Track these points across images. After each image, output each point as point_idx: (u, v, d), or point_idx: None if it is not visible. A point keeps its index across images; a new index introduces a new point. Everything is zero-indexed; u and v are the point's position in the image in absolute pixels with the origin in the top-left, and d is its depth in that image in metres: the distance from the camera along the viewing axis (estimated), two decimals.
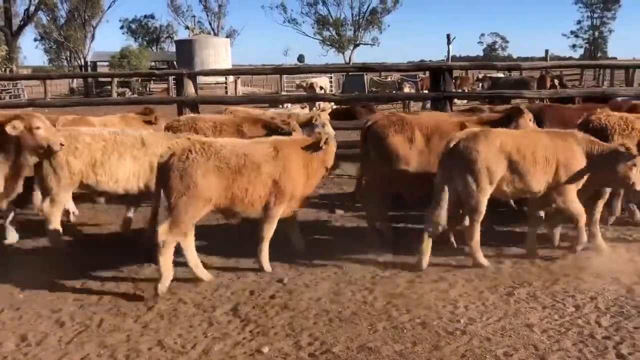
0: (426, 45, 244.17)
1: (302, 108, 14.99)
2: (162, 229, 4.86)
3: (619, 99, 10.45)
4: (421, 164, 6.18)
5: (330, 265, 5.63)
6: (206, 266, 5.42)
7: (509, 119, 6.46)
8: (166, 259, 4.90)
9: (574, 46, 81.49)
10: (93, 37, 64.30)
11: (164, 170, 4.97)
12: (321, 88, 26.30)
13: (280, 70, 21.02)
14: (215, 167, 4.99)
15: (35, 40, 68.14)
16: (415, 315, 4.53)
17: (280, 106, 16.64)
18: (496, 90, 21.20)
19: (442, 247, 5.85)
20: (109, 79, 35.37)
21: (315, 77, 29.51)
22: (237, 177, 5.09)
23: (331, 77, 33.15)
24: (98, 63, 56.95)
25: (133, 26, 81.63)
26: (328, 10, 69.45)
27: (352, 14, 69.32)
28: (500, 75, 29.70)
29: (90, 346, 4.18)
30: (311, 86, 25.07)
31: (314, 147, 5.56)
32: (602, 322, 4.36)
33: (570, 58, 72.93)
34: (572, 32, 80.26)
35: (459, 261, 5.72)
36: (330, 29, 69.99)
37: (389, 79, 31.13)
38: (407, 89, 25.62)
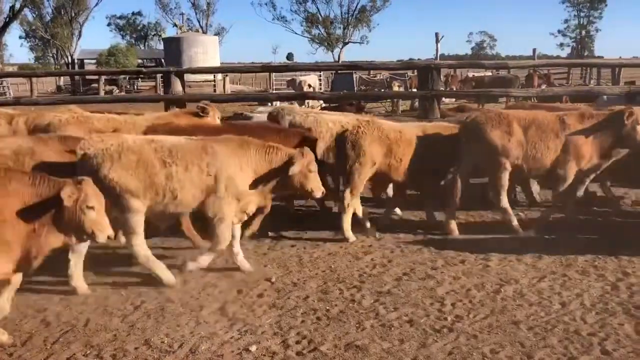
0: (415, 43, 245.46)
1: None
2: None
3: (605, 97, 10.55)
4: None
5: (319, 264, 5.64)
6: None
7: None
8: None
9: (561, 45, 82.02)
10: (80, 34, 63.78)
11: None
12: (310, 86, 26.28)
13: (269, 68, 20.98)
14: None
15: (21, 37, 67.57)
16: (403, 313, 4.55)
17: (269, 104, 16.62)
18: (482, 88, 21.30)
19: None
20: (97, 77, 35.10)
21: (304, 75, 29.48)
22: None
23: (320, 76, 33.12)
24: (85, 61, 56.36)
25: (121, 23, 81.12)
26: (317, 8, 69.39)
27: (341, 12, 69.31)
28: (489, 74, 29.85)
29: (77, 346, 4.14)
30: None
31: None
32: (587, 319, 4.40)
33: (557, 57, 73.52)
34: (559, 31, 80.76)
35: (446, 259, 5.75)
36: (320, 27, 69.94)
37: (378, 78, 31.15)
38: (396, 87, 25.68)
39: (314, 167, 5.45)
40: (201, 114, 7.31)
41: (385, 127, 6.56)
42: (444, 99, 18.67)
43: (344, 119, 7.06)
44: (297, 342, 4.13)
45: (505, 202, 6.50)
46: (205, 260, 5.37)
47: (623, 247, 5.88)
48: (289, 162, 5.30)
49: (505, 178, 6.42)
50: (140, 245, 5.07)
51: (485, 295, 4.87)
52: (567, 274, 5.29)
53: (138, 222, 5.01)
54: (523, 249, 5.93)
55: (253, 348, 4.05)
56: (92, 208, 4.22)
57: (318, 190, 5.51)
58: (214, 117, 7.43)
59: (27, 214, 4.03)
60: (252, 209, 5.44)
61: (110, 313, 4.65)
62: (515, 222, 6.52)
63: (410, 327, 4.32)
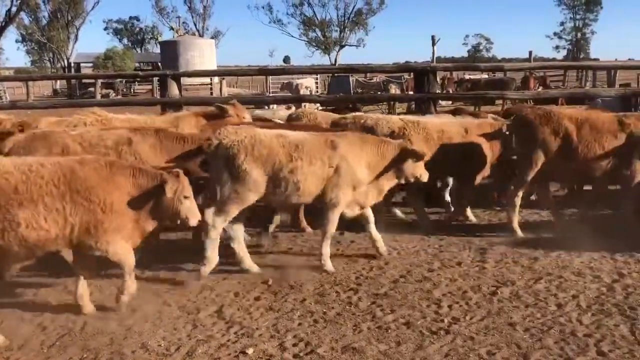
0: (411, 46, 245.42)
1: (288, 109, 14.96)
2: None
3: (600, 99, 10.60)
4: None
5: (315, 266, 5.64)
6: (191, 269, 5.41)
7: None
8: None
9: (557, 47, 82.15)
10: (76, 38, 63.67)
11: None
12: (306, 88, 26.31)
13: (265, 71, 21.00)
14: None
15: (17, 41, 67.31)
16: (400, 315, 4.56)
17: (266, 107, 16.62)
18: (478, 91, 21.34)
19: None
20: (93, 80, 35.05)
21: (301, 78, 29.50)
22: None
23: (317, 78, 33.15)
24: (82, 64, 56.44)
25: (118, 27, 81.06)
26: (313, 11, 69.35)
27: (338, 15, 69.31)
28: (485, 76, 29.93)
29: (73, 350, 4.14)
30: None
31: None
32: (583, 320, 4.42)
33: (554, 59, 73.79)
34: (555, 34, 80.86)
35: (442, 261, 5.76)
36: (316, 30, 69.99)
37: (374, 80, 31.19)
38: (393, 90, 25.72)
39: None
40: (224, 114, 7.37)
41: (430, 126, 6.66)
42: (440, 101, 18.68)
43: (391, 120, 7.11)
44: (294, 345, 4.14)
45: (518, 201, 6.52)
46: (325, 247, 5.61)
47: None
48: (402, 156, 5.65)
49: (531, 176, 6.43)
50: (218, 229, 5.31)
51: (482, 297, 4.88)
52: (563, 276, 5.31)
53: (235, 210, 5.32)
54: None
55: (250, 351, 4.05)
56: (187, 197, 4.74)
57: (425, 175, 5.86)
58: (240, 117, 7.48)
59: (130, 203, 4.53)
60: (367, 202, 5.73)
61: (107, 317, 4.64)
62: (516, 223, 6.54)
63: (407, 329, 4.33)
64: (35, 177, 4.18)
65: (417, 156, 5.71)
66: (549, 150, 6.31)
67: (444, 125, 6.88)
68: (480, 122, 7.19)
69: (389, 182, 5.77)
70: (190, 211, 4.80)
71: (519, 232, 6.48)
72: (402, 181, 5.86)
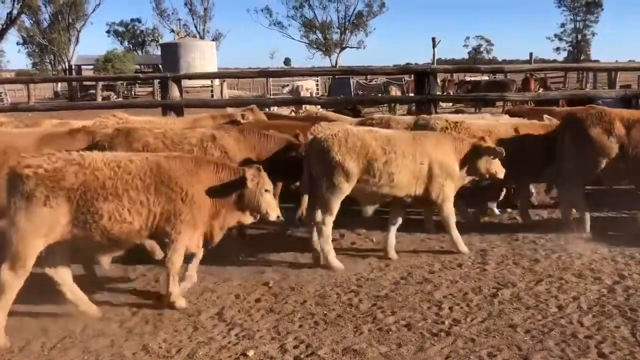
0: (412, 48, 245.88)
1: (291, 112, 15.01)
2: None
3: (600, 101, 10.60)
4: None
5: (316, 268, 5.65)
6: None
7: None
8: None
9: (557, 49, 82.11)
10: (77, 40, 63.74)
11: None
12: (307, 90, 26.34)
13: (265, 74, 21.04)
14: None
15: (18, 44, 67.35)
16: (400, 317, 4.56)
17: (267, 109, 16.63)
18: (479, 92, 21.35)
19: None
20: (94, 83, 35.12)
21: (302, 80, 29.54)
22: None
23: (317, 81, 33.19)
24: (83, 67, 56.52)
25: (119, 29, 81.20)
26: (314, 13, 69.53)
27: (338, 17, 69.45)
28: (485, 78, 29.95)
29: (74, 352, 4.14)
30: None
31: None
32: (584, 321, 4.41)
33: (554, 61, 73.79)
34: (555, 35, 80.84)
35: (443, 263, 5.76)
36: (317, 32, 70.07)
37: (375, 82, 31.22)
38: (394, 92, 25.75)
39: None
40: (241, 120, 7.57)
41: (474, 127, 6.71)
42: (440, 103, 18.69)
43: (435, 120, 7.18)
44: (295, 347, 4.14)
45: (583, 203, 6.65)
46: (456, 236, 6.01)
47: None
48: (477, 153, 5.92)
49: (588, 177, 6.51)
50: (328, 226, 5.60)
51: (483, 299, 4.88)
52: (563, 277, 5.30)
53: (337, 203, 5.62)
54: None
55: (251, 353, 4.05)
56: (268, 191, 4.94)
57: (501, 172, 6.07)
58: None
59: (213, 197, 4.75)
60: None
61: (108, 318, 4.65)
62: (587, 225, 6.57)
63: (407, 331, 4.33)
64: (123, 173, 4.40)
65: (493, 153, 5.92)
66: (601, 151, 6.32)
67: (491, 126, 6.89)
68: (531, 123, 7.21)
69: (464, 179, 6.03)
70: (271, 205, 5.00)
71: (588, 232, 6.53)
72: (478, 178, 6.13)
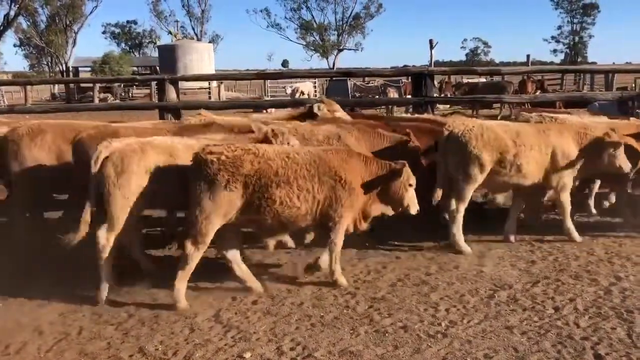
0: (410, 50, 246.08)
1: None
2: None
3: (597, 103, 10.62)
4: None
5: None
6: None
7: None
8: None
9: (555, 51, 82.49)
10: (75, 42, 63.66)
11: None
12: (302, 93, 26.34)
13: (263, 75, 21.02)
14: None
15: (16, 45, 67.16)
16: (397, 319, 4.56)
17: (265, 111, 16.65)
18: (476, 94, 21.36)
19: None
20: (91, 85, 35.07)
21: (299, 82, 29.55)
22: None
23: (315, 83, 33.19)
24: (80, 68, 56.38)
25: (116, 31, 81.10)
26: (312, 15, 69.62)
27: (336, 19, 69.54)
28: (483, 79, 29.99)
29: (70, 354, 4.14)
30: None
31: None
32: (580, 323, 4.42)
33: (551, 63, 73.95)
34: (553, 37, 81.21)
35: (440, 265, 5.77)
36: (314, 34, 70.14)
37: (372, 84, 31.23)
38: (392, 94, 25.76)
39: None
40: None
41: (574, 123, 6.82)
42: (438, 105, 18.71)
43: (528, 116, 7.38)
44: (292, 349, 4.14)
45: None
46: (569, 225, 6.33)
47: None
48: (599, 145, 6.19)
49: None
50: (461, 213, 6.08)
51: (479, 301, 4.89)
52: (560, 279, 5.31)
53: (471, 193, 6.13)
54: None
55: (247, 355, 4.05)
56: (411, 186, 5.33)
57: (626, 166, 6.27)
58: (332, 112, 7.65)
59: (364, 187, 5.17)
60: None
61: (105, 321, 4.64)
62: None
63: (404, 333, 4.33)
64: (292, 163, 4.88)
65: (616, 146, 6.16)
66: None
67: (591, 124, 6.80)
68: (628, 123, 7.23)
69: (586, 171, 6.31)
70: (412, 200, 5.39)
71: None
72: (601, 170, 6.35)
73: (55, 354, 4.15)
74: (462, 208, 6.07)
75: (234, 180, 4.71)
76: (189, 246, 4.75)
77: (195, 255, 4.78)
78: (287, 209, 4.86)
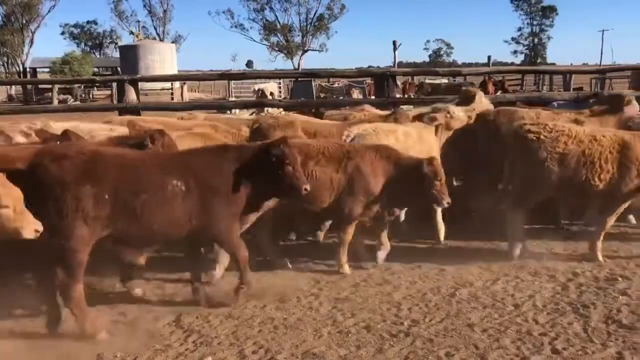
0: (374, 50, 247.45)
1: (251, 114, 14.87)
2: None
3: (555, 103, 10.85)
4: None
5: (277, 272, 5.61)
6: (149, 277, 5.31)
7: None
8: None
9: (515, 52, 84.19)
10: (32, 42, 62.08)
11: None
12: (271, 94, 26.23)
13: (226, 76, 20.84)
14: None
15: None
16: (360, 319, 4.56)
17: (228, 112, 16.48)
18: (438, 95, 21.60)
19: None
20: (50, 86, 34.20)
21: (263, 83, 29.39)
22: None
23: (280, 83, 33.07)
24: (38, 69, 54.97)
25: (75, 31, 79.36)
26: (275, 16, 69.41)
27: (300, 20, 69.50)
28: (444, 81, 30.38)
29: None
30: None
31: None
32: (539, 319, 4.51)
33: (512, 64, 75.35)
34: (513, 39, 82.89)
35: (403, 264, 5.80)
36: (278, 34, 69.95)
37: (337, 85, 31.30)
38: (355, 95, 25.85)
39: None
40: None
41: None
42: (401, 106, 18.85)
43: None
44: (254, 352, 4.10)
45: None
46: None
47: None
48: None
49: None
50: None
51: (441, 299, 4.93)
52: (519, 276, 5.41)
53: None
54: None
55: (209, 359, 3.99)
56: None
57: None
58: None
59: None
60: None
61: (60, 329, 4.50)
62: None
63: (367, 333, 4.34)
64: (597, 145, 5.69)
65: None
66: None
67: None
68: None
69: None
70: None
71: None
72: None
73: None
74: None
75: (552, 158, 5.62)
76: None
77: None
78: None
